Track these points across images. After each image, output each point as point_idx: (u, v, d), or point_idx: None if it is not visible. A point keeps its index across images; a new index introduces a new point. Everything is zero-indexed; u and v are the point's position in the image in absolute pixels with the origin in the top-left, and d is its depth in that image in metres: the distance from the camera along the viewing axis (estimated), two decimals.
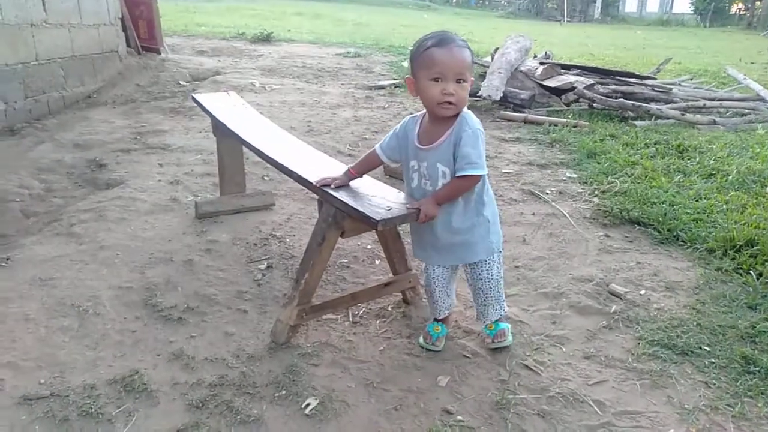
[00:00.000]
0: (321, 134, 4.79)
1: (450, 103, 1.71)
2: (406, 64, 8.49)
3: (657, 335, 2.12)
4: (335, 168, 2.17)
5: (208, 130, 4.59)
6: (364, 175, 2.11)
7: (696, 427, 1.69)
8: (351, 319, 2.23)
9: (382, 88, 6.88)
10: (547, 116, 5.45)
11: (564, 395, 1.82)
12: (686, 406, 1.77)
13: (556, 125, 5.17)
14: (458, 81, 1.70)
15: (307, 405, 1.77)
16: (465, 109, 1.79)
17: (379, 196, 1.95)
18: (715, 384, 1.87)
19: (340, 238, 2.04)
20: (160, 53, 7.30)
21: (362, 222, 1.86)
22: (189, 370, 1.91)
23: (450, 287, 2.06)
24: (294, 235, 2.94)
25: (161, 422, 1.69)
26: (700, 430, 1.68)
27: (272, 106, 5.64)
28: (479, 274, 1.96)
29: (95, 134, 4.52)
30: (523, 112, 5.61)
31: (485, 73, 6.42)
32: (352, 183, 2.04)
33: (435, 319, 2.09)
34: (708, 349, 2.04)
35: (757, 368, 1.92)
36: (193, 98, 3.15)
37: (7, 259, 2.54)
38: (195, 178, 3.68)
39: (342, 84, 7.17)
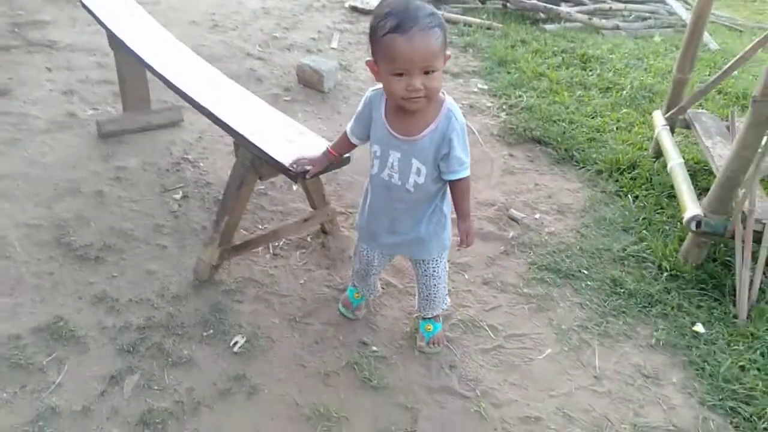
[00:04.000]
0: (227, 30, 4.48)
1: (418, 97, 1.47)
2: None
3: (545, 260, 2.42)
4: (263, 113, 2.12)
5: (98, 24, 4.17)
6: (284, 116, 2.10)
7: (568, 344, 2.03)
8: (272, 251, 2.34)
9: None
10: (463, 15, 5.40)
11: (464, 322, 2.09)
12: (563, 326, 2.10)
13: (470, 26, 5.16)
14: (426, 72, 1.44)
15: (235, 343, 1.91)
16: (449, 100, 1.58)
17: (298, 143, 1.98)
18: (588, 305, 2.21)
19: (258, 180, 2.08)
20: None
21: (280, 170, 1.90)
22: (115, 313, 1.97)
23: (380, 270, 2.01)
24: (207, 158, 2.90)
25: (94, 368, 1.77)
26: (571, 347, 2.02)
27: None
28: (426, 270, 1.86)
29: None
30: (439, 9, 5.50)
31: None
32: (273, 125, 2.04)
33: (355, 285, 2.06)
34: (586, 272, 2.37)
35: (622, 289, 2.28)
36: (81, 3, 2.83)
37: None
38: (91, 86, 3.41)
39: None
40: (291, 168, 1.80)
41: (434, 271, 1.85)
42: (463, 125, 1.58)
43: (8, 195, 2.42)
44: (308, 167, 1.82)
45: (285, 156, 1.87)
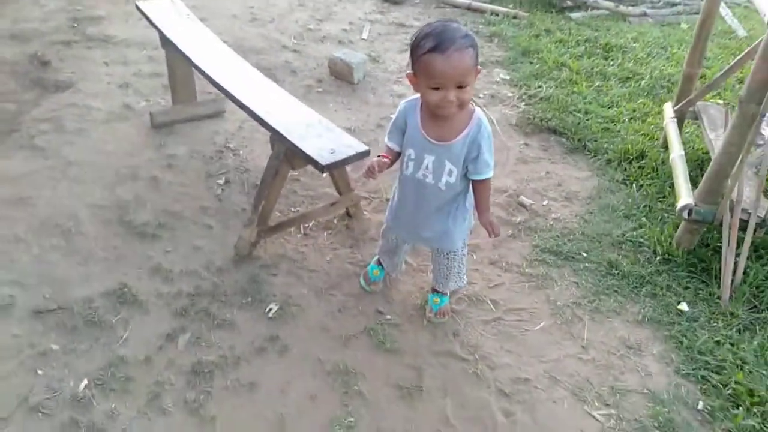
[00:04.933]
0: (265, 23, 4.78)
1: (450, 107, 1.69)
2: None
3: (549, 243, 2.66)
4: (298, 109, 2.45)
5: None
6: (314, 112, 2.41)
7: (562, 318, 2.28)
8: (302, 232, 2.65)
9: None
10: (490, 3, 5.54)
11: (469, 296, 2.36)
12: (558, 303, 2.35)
13: (497, 14, 5.32)
14: (460, 87, 1.65)
15: (270, 309, 2.24)
16: (478, 110, 1.80)
17: (326, 138, 2.27)
18: (583, 284, 2.45)
19: (291, 170, 2.38)
20: None
21: (309, 162, 2.20)
22: (169, 282, 2.33)
23: (405, 254, 2.29)
24: (246, 146, 3.22)
25: (153, 328, 2.13)
26: (564, 321, 2.27)
27: None
28: (448, 255, 2.08)
29: (30, 21, 4.37)
30: None
31: None
32: (304, 121, 2.33)
33: (378, 263, 2.33)
34: (585, 254, 2.60)
35: (617, 271, 2.50)
36: (137, 6, 3.17)
37: None
38: (144, 79, 3.77)
39: None
40: (365, 176, 1.87)
41: (455, 255, 2.09)
42: (490, 132, 1.81)
43: (79, 179, 2.80)
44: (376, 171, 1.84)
45: (313, 149, 2.17)
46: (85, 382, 1.91)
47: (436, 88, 1.66)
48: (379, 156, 1.87)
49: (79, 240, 2.47)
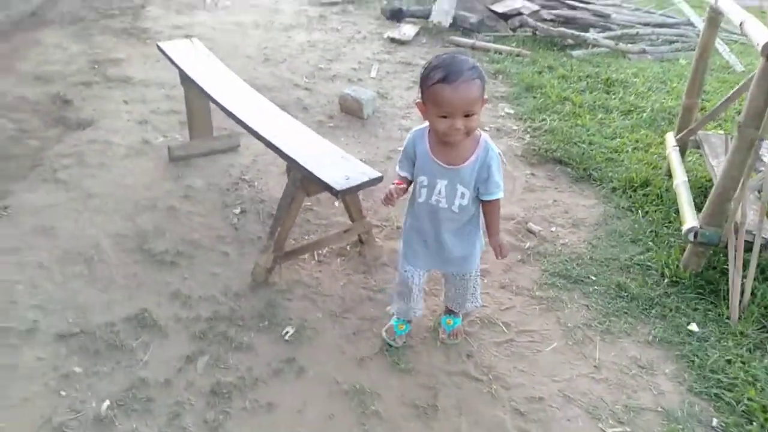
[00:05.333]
0: (277, 64, 4.98)
1: (457, 135, 1.77)
2: None
3: (558, 267, 2.71)
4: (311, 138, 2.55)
5: (165, 59, 4.71)
6: (328, 142, 2.51)
7: (573, 339, 2.31)
8: (317, 258, 2.72)
9: (335, 4, 6.90)
10: (494, 43, 5.75)
11: (482, 319, 2.40)
12: (569, 324, 2.39)
13: (500, 53, 5.50)
14: (467, 116, 1.73)
15: (287, 332, 2.29)
16: (485, 135, 1.88)
17: (340, 165, 2.36)
18: (593, 306, 2.49)
19: (306, 197, 2.47)
20: None
21: (324, 189, 2.28)
22: (187, 307, 2.38)
23: (423, 286, 2.21)
24: (261, 178, 3.32)
25: (173, 351, 2.18)
26: (575, 342, 2.30)
27: (226, 29, 5.69)
28: (464, 275, 2.11)
29: (53, 64, 4.58)
30: (472, 38, 5.88)
31: None
32: (319, 150, 2.43)
33: (399, 316, 2.24)
34: (594, 278, 2.65)
35: (626, 294, 2.54)
36: (158, 47, 3.34)
37: (6, 208, 2.85)
38: (161, 116, 3.92)
39: None
40: (384, 202, 1.91)
41: (470, 276, 2.13)
42: (498, 155, 1.88)
43: (100, 210, 2.90)
44: (394, 198, 1.90)
45: (328, 176, 2.26)
46: (107, 403, 1.95)
47: (445, 117, 1.74)
48: (394, 183, 1.91)
49: (101, 268, 2.54)
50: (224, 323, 2.31)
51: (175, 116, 3.90)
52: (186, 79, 3.15)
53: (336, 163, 2.38)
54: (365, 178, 2.29)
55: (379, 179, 2.32)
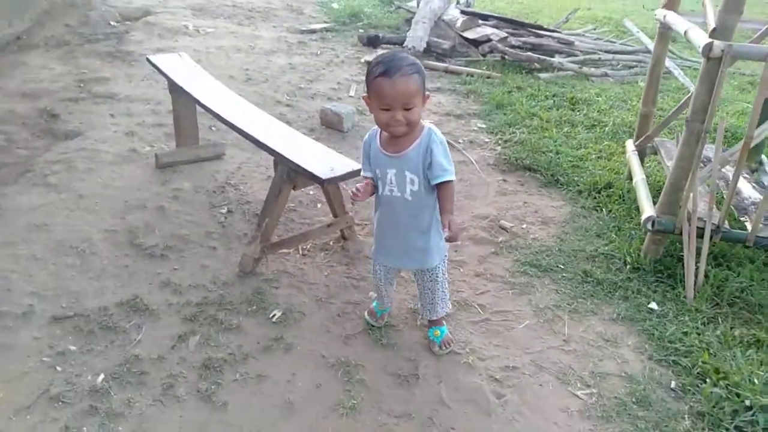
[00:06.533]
0: (259, 83, 5.17)
1: (399, 126, 1.87)
2: (336, 5, 8.73)
3: (529, 258, 2.89)
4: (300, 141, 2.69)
5: (149, 78, 4.89)
6: (311, 140, 2.67)
7: (544, 318, 2.48)
8: (301, 252, 2.85)
9: (313, 32, 7.19)
10: (465, 66, 6.06)
11: (458, 302, 2.55)
12: (540, 306, 2.55)
13: (472, 76, 5.80)
14: (407, 108, 1.84)
15: (274, 315, 2.40)
16: (429, 125, 1.98)
17: (324, 159, 2.53)
18: (562, 291, 2.66)
19: (292, 189, 2.62)
20: None
21: (311, 179, 2.44)
22: (178, 294, 2.49)
23: (393, 282, 2.33)
24: (246, 183, 3.47)
25: (165, 331, 2.27)
26: (546, 320, 2.47)
27: (209, 52, 5.89)
28: (430, 276, 2.17)
29: (39, 82, 4.70)
30: (445, 62, 6.18)
31: (411, 19, 6.89)
32: (304, 145, 2.60)
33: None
34: (562, 267, 2.83)
35: (592, 279, 2.73)
36: (148, 60, 3.50)
37: None
38: (148, 128, 4.05)
39: (274, 26, 7.39)
40: (352, 199, 2.05)
41: (436, 276, 2.17)
42: (442, 140, 1.95)
43: (90, 209, 3.00)
44: (360, 192, 2.00)
45: (314, 167, 2.42)
46: (102, 376, 2.03)
47: (386, 109, 1.85)
48: (365, 182, 2.04)
49: (93, 259, 2.64)
50: (214, 307, 2.42)
51: (161, 128, 4.03)
52: (174, 88, 3.30)
53: (320, 157, 2.55)
54: (349, 169, 2.45)
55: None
